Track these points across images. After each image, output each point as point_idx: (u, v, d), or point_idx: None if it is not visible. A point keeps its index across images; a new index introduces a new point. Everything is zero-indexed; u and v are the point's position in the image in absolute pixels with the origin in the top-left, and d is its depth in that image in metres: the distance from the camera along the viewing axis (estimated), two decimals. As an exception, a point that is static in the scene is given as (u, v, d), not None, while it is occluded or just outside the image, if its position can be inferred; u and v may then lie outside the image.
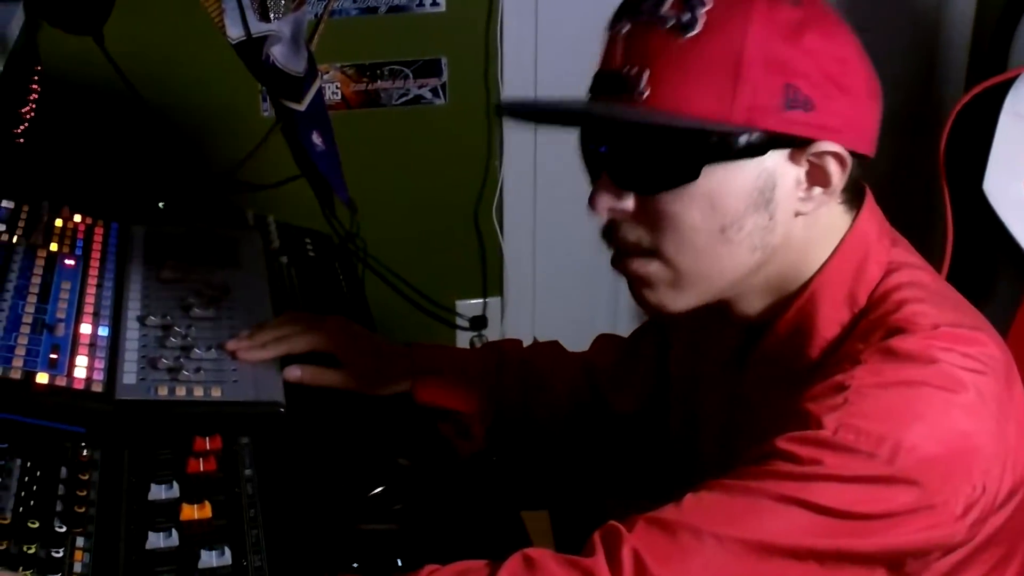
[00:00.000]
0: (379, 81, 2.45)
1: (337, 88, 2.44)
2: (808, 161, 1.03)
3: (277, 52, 1.76)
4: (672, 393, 1.34)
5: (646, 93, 1.01)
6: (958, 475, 0.97)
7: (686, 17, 1.00)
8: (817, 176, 1.04)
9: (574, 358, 1.51)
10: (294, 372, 1.36)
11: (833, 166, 1.04)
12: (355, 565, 1.19)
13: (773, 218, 1.05)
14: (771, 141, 1.01)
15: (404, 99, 2.48)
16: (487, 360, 1.48)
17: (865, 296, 1.07)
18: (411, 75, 2.46)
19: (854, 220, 1.09)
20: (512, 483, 1.61)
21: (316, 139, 1.92)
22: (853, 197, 1.09)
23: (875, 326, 1.04)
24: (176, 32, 2.26)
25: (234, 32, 1.70)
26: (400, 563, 1.20)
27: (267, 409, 1.29)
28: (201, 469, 1.17)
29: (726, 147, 1.01)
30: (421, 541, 1.23)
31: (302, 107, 1.86)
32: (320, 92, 1.90)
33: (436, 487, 1.34)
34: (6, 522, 1.05)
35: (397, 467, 1.34)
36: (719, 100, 1.00)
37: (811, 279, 1.08)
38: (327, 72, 2.39)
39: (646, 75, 1.01)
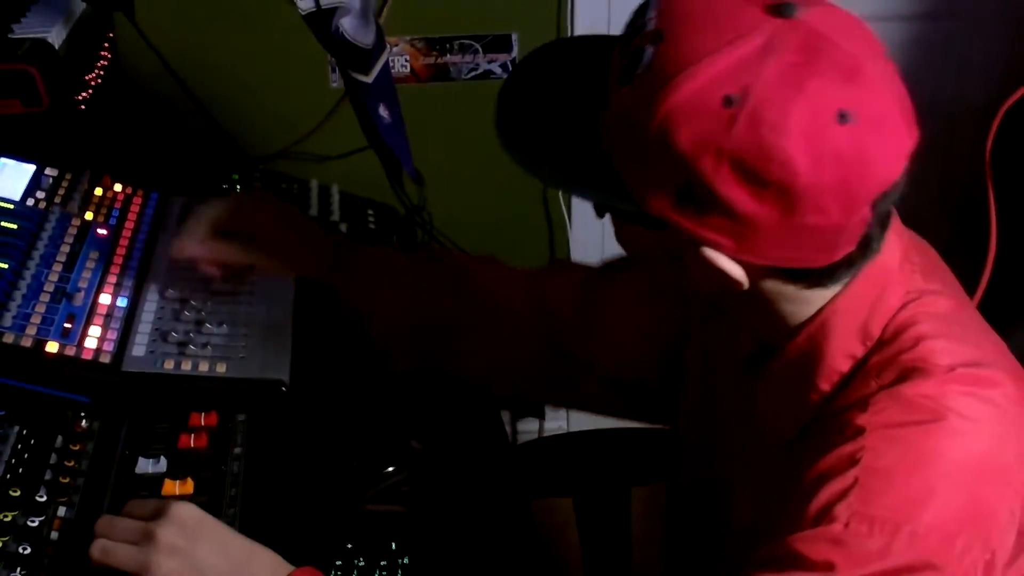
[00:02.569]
0: (448, 55, 2.44)
1: (407, 61, 2.43)
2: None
3: (346, 24, 1.77)
4: (686, 389, 1.30)
5: (602, 115, 0.98)
6: (977, 546, 0.93)
7: (629, 67, 0.94)
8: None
9: (517, 276, 1.42)
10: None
11: (724, 277, 0.97)
12: (349, 545, 1.20)
13: (691, 276, 0.99)
14: (657, 223, 0.95)
15: (474, 74, 2.46)
16: (415, 260, 1.43)
17: (879, 328, 1.01)
18: (481, 50, 2.44)
19: (848, 284, 1.01)
20: (528, 472, 1.60)
21: (383, 111, 1.92)
22: (823, 280, 1.00)
23: (889, 363, 0.99)
24: (249, 1, 2.29)
25: (304, 3, 1.72)
26: (395, 546, 1.20)
27: (267, 387, 1.29)
28: (192, 445, 1.19)
29: (613, 209, 1.00)
30: (425, 525, 1.24)
31: (370, 79, 1.87)
32: (387, 65, 1.90)
33: (448, 473, 1.34)
34: (-9, 488, 1.08)
35: (409, 450, 1.34)
36: (625, 163, 0.95)
37: (824, 307, 1.02)
38: (396, 45, 2.39)
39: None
